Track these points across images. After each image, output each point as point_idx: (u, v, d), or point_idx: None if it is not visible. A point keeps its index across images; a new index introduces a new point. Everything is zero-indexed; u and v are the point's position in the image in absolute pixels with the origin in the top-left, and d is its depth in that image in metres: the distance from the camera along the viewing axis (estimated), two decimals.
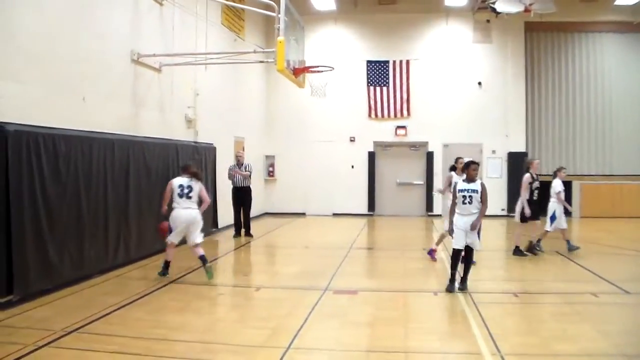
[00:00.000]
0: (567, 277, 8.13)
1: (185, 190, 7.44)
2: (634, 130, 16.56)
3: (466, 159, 7.62)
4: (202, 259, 7.51)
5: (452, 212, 7.11)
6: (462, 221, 6.89)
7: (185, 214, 7.39)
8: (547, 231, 9.59)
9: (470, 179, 6.93)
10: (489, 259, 9.14)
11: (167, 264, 7.64)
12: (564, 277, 8.11)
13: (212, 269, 7.59)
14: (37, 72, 6.71)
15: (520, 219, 9.41)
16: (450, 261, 7.18)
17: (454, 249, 6.97)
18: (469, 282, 6.95)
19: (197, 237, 7.51)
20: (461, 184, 6.95)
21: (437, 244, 9.29)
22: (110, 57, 8.33)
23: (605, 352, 4.83)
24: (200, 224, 7.58)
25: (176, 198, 7.42)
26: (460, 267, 7.01)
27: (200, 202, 7.64)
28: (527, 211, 9.25)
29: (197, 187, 7.53)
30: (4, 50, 6.15)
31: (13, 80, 6.28)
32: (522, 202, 9.37)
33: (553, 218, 9.51)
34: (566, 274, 8.33)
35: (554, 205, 9.56)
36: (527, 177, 9.39)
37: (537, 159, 9.84)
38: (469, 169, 6.96)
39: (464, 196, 6.86)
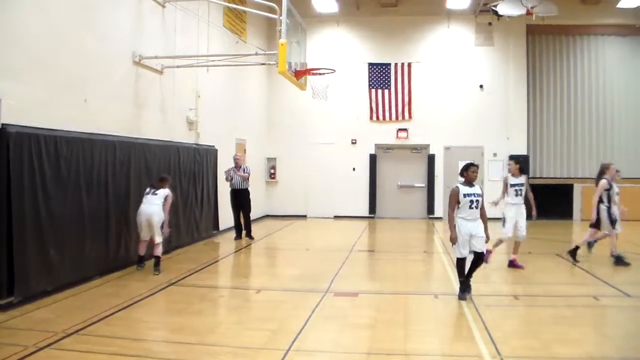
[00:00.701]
0: (568, 280, 8.12)
1: (151, 190, 8.21)
2: (636, 133, 16.56)
3: (467, 161, 7.47)
4: (157, 259, 8.10)
5: (452, 219, 6.75)
6: (466, 227, 6.63)
7: (145, 209, 7.98)
8: (617, 234, 9.19)
9: (469, 182, 6.71)
10: (489, 262, 9.10)
11: (139, 258, 8.24)
12: (565, 280, 8.10)
13: (159, 270, 8.05)
14: (39, 73, 6.72)
15: (612, 224, 8.90)
16: (456, 269, 6.98)
17: (458, 258, 6.74)
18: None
19: (157, 237, 8.04)
20: (465, 189, 6.66)
21: (496, 245, 8.83)
22: (112, 59, 8.34)
23: (607, 356, 4.81)
24: (158, 223, 8.01)
25: (144, 195, 8.15)
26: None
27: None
28: (616, 211, 8.77)
29: (163, 192, 8.15)
30: (7, 51, 6.16)
31: (15, 81, 6.28)
32: (603, 209, 8.92)
33: (614, 221, 9.09)
34: (567, 277, 8.32)
35: (614, 209, 9.09)
36: (603, 182, 8.90)
37: (613, 163, 9.25)
38: (469, 172, 6.69)
39: (471, 200, 6.60)
